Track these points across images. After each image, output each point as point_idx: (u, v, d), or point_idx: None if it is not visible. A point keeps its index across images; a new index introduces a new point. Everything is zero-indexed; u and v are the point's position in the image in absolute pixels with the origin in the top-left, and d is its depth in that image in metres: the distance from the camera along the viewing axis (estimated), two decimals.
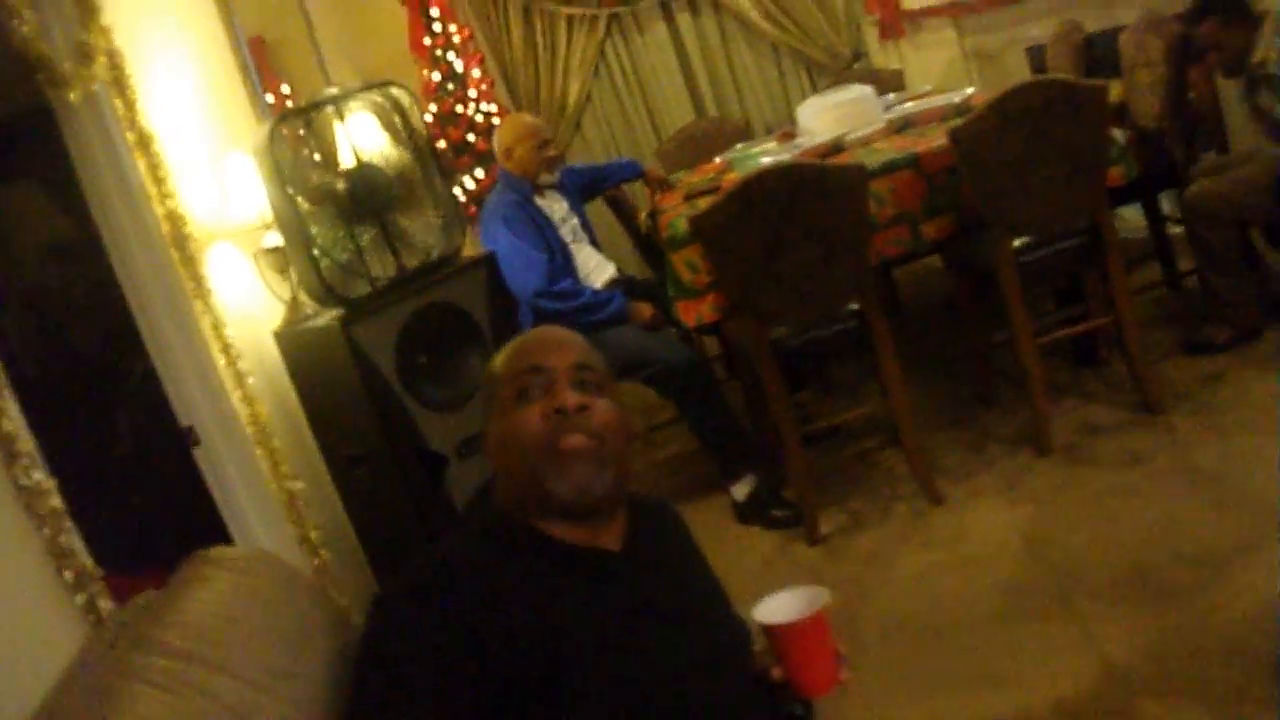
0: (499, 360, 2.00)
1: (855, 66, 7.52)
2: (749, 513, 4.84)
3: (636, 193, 6.80)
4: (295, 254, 3.83)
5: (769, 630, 1.84)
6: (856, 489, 4.81)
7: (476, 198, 6.73)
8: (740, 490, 4.86)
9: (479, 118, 7.06)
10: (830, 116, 5.47)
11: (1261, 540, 3.47)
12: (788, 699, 1.93)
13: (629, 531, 1.97)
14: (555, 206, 5.32)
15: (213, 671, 1.66)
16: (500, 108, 7.21)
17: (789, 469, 4.54)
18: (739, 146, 6.21)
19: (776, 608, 1.86)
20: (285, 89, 5.54)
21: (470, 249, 4.40)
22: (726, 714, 1.85)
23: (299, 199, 3.76)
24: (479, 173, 6.94)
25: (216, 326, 3.65)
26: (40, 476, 2.46)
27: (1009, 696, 3.21)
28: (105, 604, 2.48)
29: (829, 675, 1.86)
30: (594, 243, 5.51)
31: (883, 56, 7.60)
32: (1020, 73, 7.02)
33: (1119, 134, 4.66)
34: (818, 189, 4.04)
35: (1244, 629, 3.13)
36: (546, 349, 1.95)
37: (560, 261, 5.06)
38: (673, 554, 2.08)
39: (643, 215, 5.93)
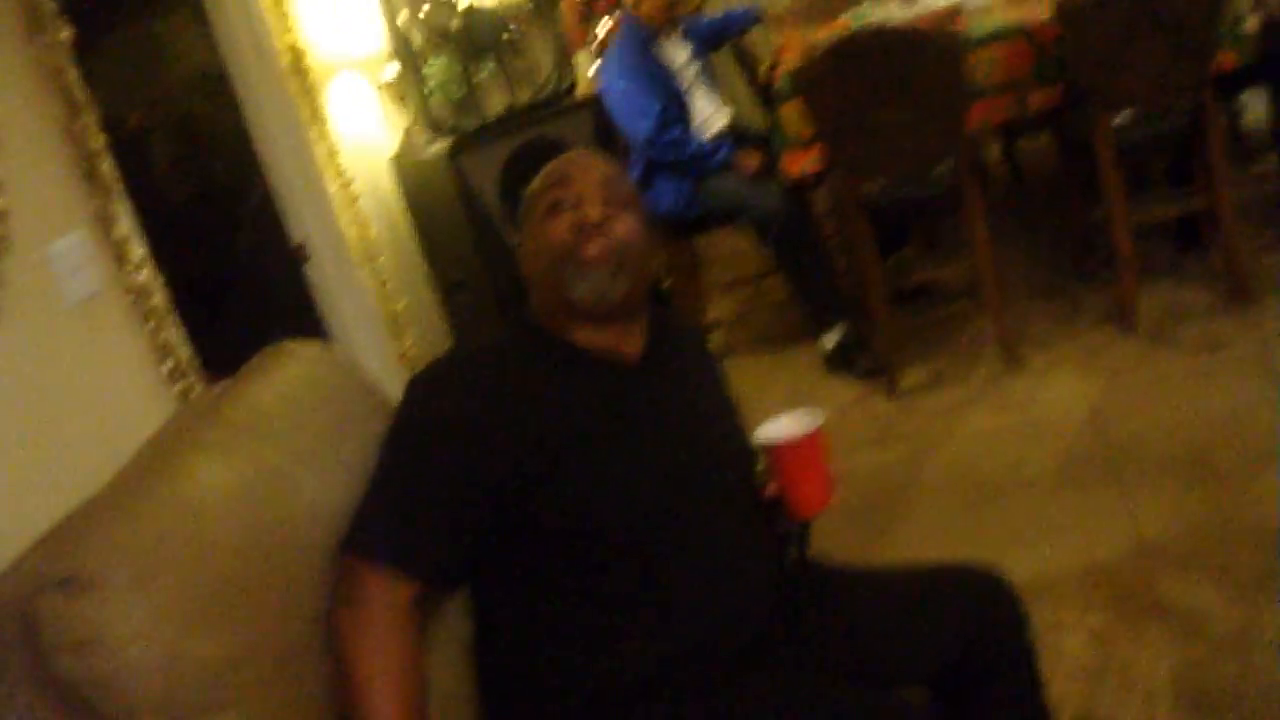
0: (534, 181, 2.12)
1: None
2: (836, 362, 4.95)
3: (760, 44, 6.82)
4: (411, 87, 4.00)
5: (765, 449, 1.96)
6: (942, 348, 4.89)
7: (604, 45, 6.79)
8: (829, 339, 4.96)
9: None
10: None
11: None
12: (781, 518, 2.04)
13: (650, 343, 2.10)
14: (677, 54, 5.36)
15: (262, 442, 1.88)
16: None
17: (877, 322, 4.64)
18: (864, 4, 6.21)
19: (775, 428, 1.97)
20: None
21: (584, 88, 4.53)
22: (717, 524, 1.99)
23: (415, 34, 3.91)
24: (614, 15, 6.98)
25: (331, 151, 3.84)
26: (148, 276, 2.69)
27: (1041, 555, 3.30)
28: (200, 392, 2.73)
29: (820, 496, 1.97)
30: (714, 91, 5.57)
31: None
32: None
33: (1252, 19, 4.61)
34: (910, 55, 4.12)
35: None
36: (575, 162, 2.07)
37: (674, 110, 5.10)
38: (691, 372, 2.20)
39: (764, 67, 5.98)
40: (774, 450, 1.96)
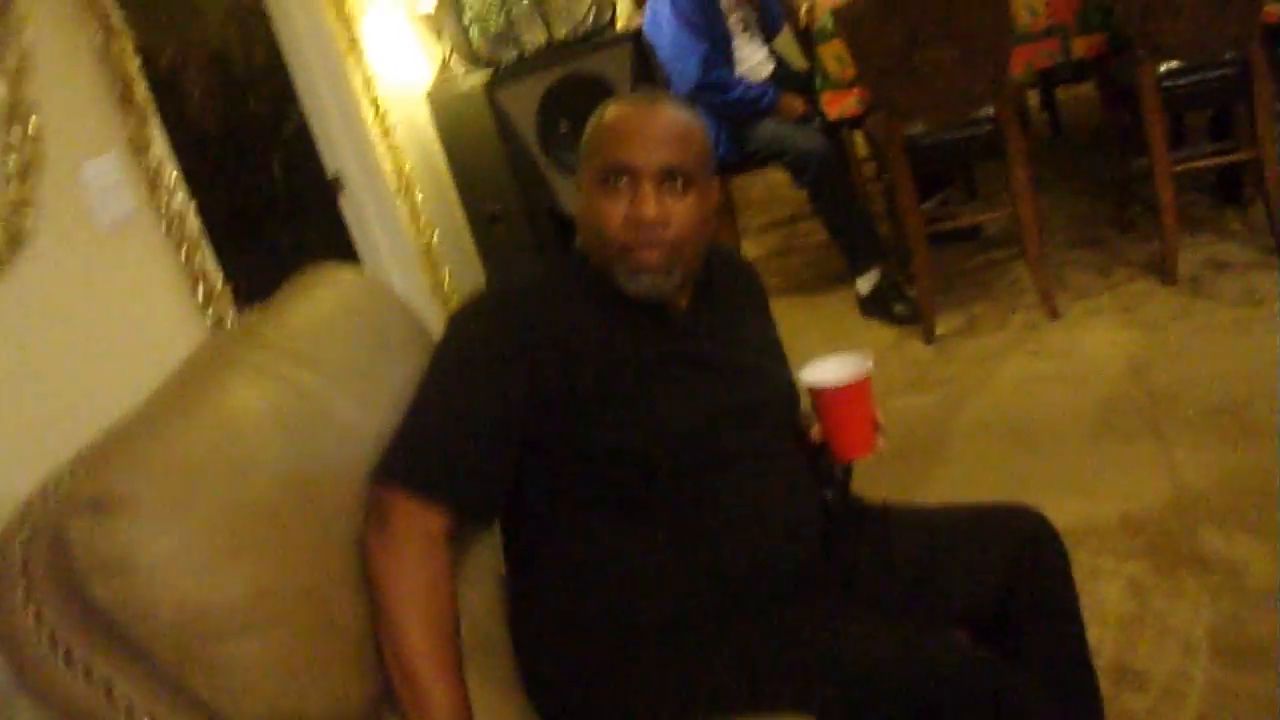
0: (594, 130, 2.02)
1: None
2: (871, 306, 4.93)
3: None
4: (449, 18, 3.96)
5: (812, 391, 1.93)
6: (980, 294, 4.87)
7: None
8: (865, 283, 4.93)
9: None
10: None
11: None
12: (825, 459, 2.03)
13: (697, 290, 2.07)
14: None
15: (298, 365, 1.85)
16: None
17: (915, 266, 4.61)
18: None
19: (822, 371, 1.95)
20: None
21: (624, 22, 4.49)
22: (760, 461, 1.96)
23: None
24: None
25: (368, 82, 3.81)
26: (180, 203, 2.67)
27: (1078, 504, 3.28)
28: (230, 316, 2.73)
29: (865, 441, 1.95)
30: (759, 36, 5.52)
31: None
32: None
33: None
34: None
35: None
36: (635, 143, 1.94)
37: (720, 52, 5.05)
38: (738, 311, 2.17)
39: (804, 8, 5.93)
40: (820, 393, 1.93)
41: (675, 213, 1.94)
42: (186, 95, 3.47)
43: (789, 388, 2.10)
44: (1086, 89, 6.39)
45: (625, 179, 1.93)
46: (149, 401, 1.78)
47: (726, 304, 2.13)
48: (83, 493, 1.48)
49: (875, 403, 1.96)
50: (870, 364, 1.93)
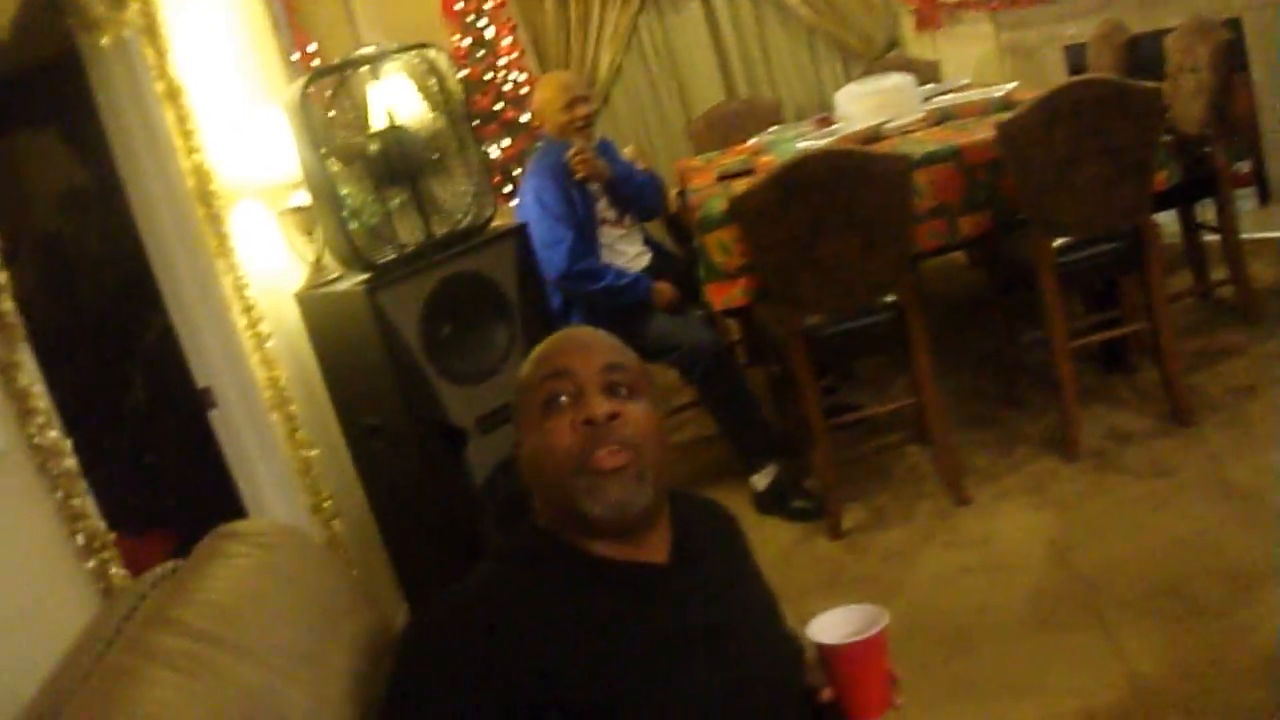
0: (525, 368, 1.89)
1: (890, 55, 7.42)
2: (769, 503, 4.76)
3: (665, 170, 6.72)
4: (323, 215, 3.76)
5: (823, 649, 1.77)
6: (879, 484, 4.74)
7: (501, 166, 6.66)
8: (761, 480, 4.78)
9: (508, 86, 7.02)
10: (869, 103, 5.39)
11: None
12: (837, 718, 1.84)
13: (675, 539, 1.88)
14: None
15: (233, 655, 1.58)
16: (530, 76, 7.15)
17: (815, 460, 4.47)
18: (774, 129, 6.13)
19: (831, 625, 1.79)
20: (312, 47, 5.45)
21: (501, 219, 4.32)
22: None
23: (330, 159, 3.67)
24: (505, 142, 6.87)
25: (239, 286, 3.57)
26: (56, 435, 2.39)
27: (1034, 706, 3.16)
28: (117, 570, 2.42)
29: (883, 699, 1.80)
30: (646, 216, 5.40)
31: (918, 46, 7.50)
32: (1057, 71, 6.92)
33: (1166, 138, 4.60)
34: (862, 176, 3.97)
35: (1275, 650, 3.08)
36: (572, 351, 1.84)
37: (588, 239, 4.93)
38: (722, 561, 1.98)
39: (674, 193, 5.84)
40: (833, 652, 1.77)
41: (628, 410, 1.78)
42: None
43: (793, 643, 1.94)
44: (950, 258, 6.38)
45: (566, 395, 1.78)
46: (53, 698, 1.49)
47: (708, 553, 1.94)
48: None
49: (890, 657, 1.80)
50: (887, 618, 1.77)
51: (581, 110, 5.03)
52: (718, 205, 4.35)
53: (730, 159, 5.66)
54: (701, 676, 1.71)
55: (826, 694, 1.79)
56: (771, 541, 4.53)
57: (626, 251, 5.20)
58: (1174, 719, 2.97)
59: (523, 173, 5.05)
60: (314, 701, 1.61)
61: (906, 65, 6.66)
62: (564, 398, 1.77)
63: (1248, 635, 3.18)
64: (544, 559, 1.80)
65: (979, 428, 4.93)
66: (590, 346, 1.85)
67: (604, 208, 5.14)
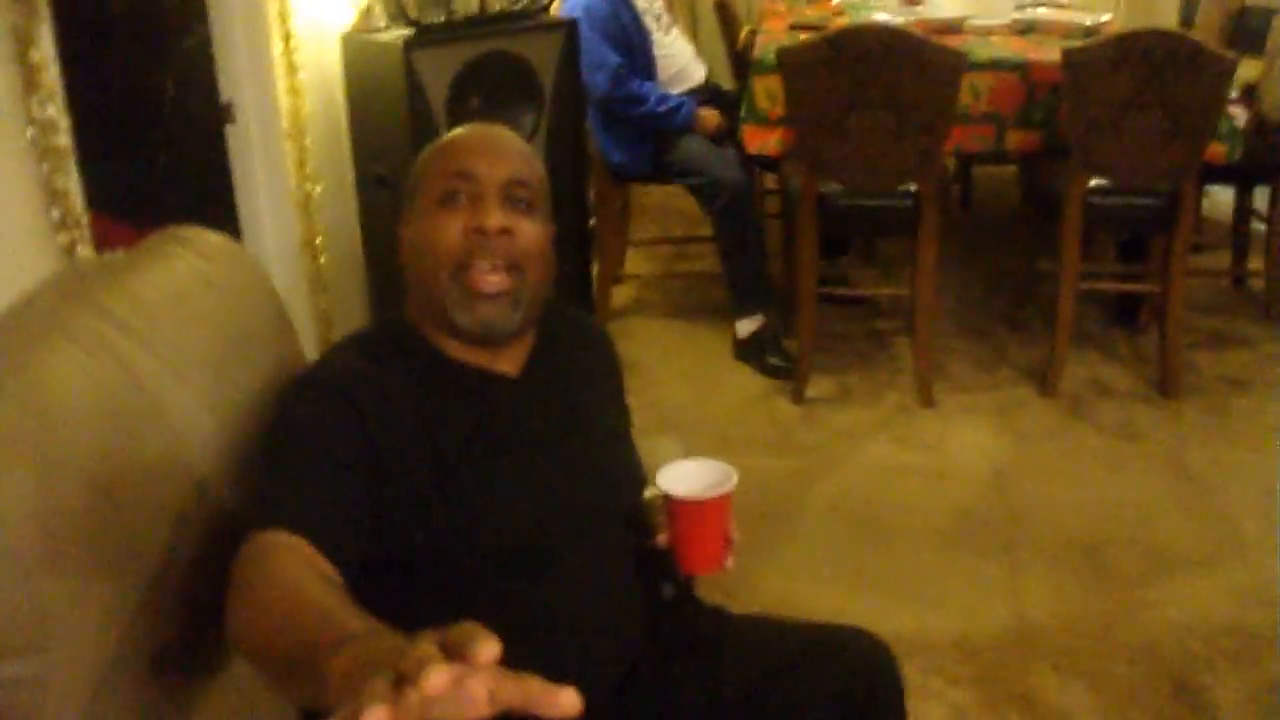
0: (429, 152, 1.89)
1: None
2: (747, 351, 4.81)
3: (749, 5, 6.64)
4: None
5: (670, 500, 1.78)
6: (857, 365, 4.78)
7: None
8: (745, 327, 4.82)
9: None
10: None
11: (1216, 560, 3.48)
12: (667, 567, 1.88)
13: (534, 353, 1.91)
14: None
15: (138, 345, 1.63)
16: None
17: (798, 322, 4.50)
18: None
19: (682, 475, 1.80)
20: None
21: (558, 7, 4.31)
22: (588, 553, 1.81)
23: None
24: None
25: (283, 13, 3.58)
26: (54, 112, 2.43)
27: (916, 614, 3.22)
28: (84, 249, 2.49)
29: (716, 557, 1.82)
30: (684, 36, 5.35)
31: None
32: (1167, 17, 6.76)
33: (1240, 113, 4.53)
34: (912, 62, 3.96)
35: (1164, 637, 3.14)
36: (481, 153, 1.82)
37: (640, 57, 4.89)
38: (580, 381, 2.01)
39: (745, 31, 5.79)
40: (678, 504, 1.78)
41: (521, 228, 1.79)
42: None
43: (631, 472, 1.99)
44: (1006, 171, 6.33)
45: (465, 195, 1.77)
46: None
47: (568, 372, 1.97)
48: None
49: (732, 519, 1.82)
50: (735, 480, 1.78)
51: None
52: (773, 51, 4.33)
53: (811, 12, 5.62)
54: (524, 487, 1.76)
55: (661, 539, 1.81)
56: (736, 390, 4.60)
57: (680, 56, 5.18)
58: (1040, 665, 3.04)
59: None
60: (200, 408, 1.67)
61: None
62: (462, 197, 1.77)
63: (1142, 612, 3.25)
64: (401, 346, 1.84)
65: (969, 339, 4.95)
66: (501, 153, 1.84)
67: (657, 15, 5.12)
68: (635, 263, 5.70)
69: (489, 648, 0.90)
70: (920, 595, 3.32)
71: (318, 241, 3.80)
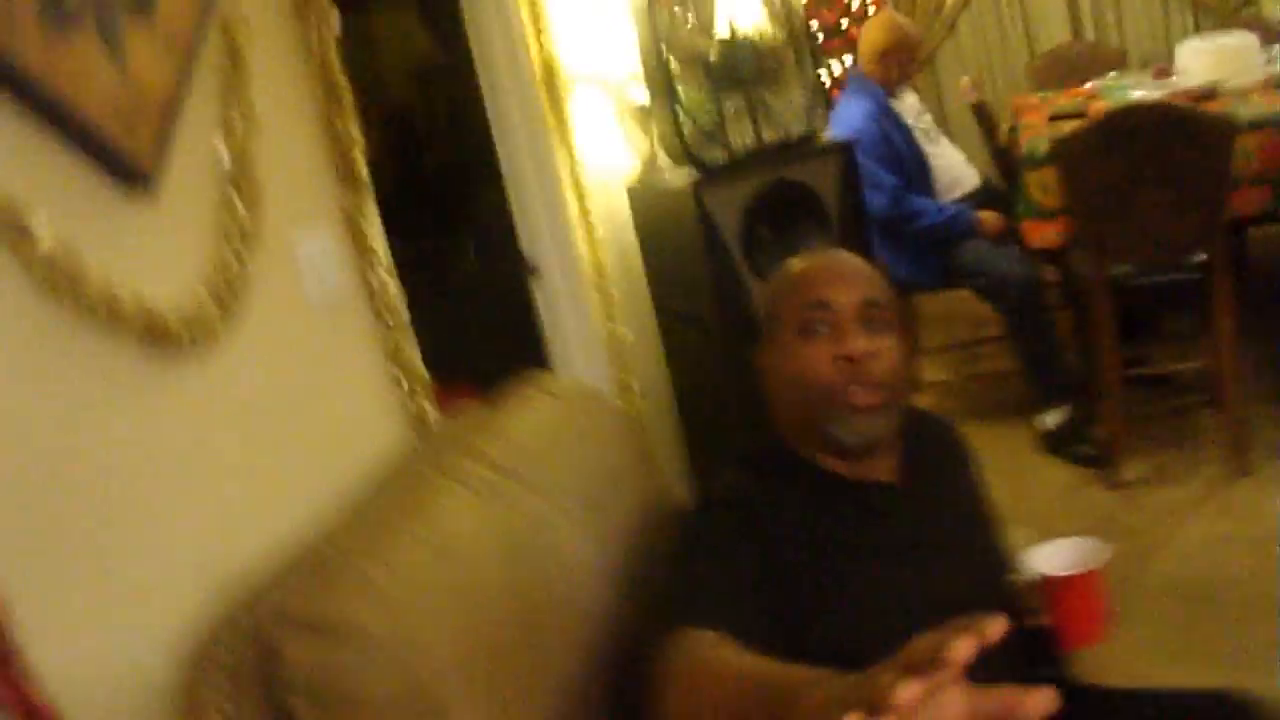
0: (781, 285, 1.98)
1: (1242, 13, 7.18)
2: (1054, 443, 4.79)
3: (1001, 103, 6.69)
4: (659, 113, 3.92)
5: (1048, 580, 1.84)
6: (1165, 443, 4.69)
7: (841, 83, 6.70)
8: (1050, 419, 4.81)
9: (855, 4, 7.04)
10: (1209, 59, 5.27)
11: None
12: (1049, 647, 1.92)
13: (904, 459, 1.97)
14: (908, 102, 5.25)
15: (523, 487, 1.77)
16: None
17: (1104, 408, 4.47)
18: (1112, 75, 6.05)
19: (1054, 555, 1.87)
20: None
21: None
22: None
23: (671, 59, 3.85)
24: (847, 59, 6.90)
25: (573, 169, 3.76)
26: (390, 282, 2.58)
27: (1261, 681, 3.13)
28: (430, 411, 2.59)
29: (1098, 630, 1.87)
30: (953, 143, 5.44)
31: (1273, 5, 7.21)
32: None
33: None
34: (1185, 133, 3.95)
35: None
36: (833, 282, 1.90)
37: (914, 171, 5.01)
38: (947, 481, 2.07)
39: (1005, 128, 5.84)
40: (1055, 581, 1.85)
41: (882, 347, 1.87)
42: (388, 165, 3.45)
43: (1002, 558, 2.03)
44: (1273, 232, 6.22)
45: (825, 322, 1.86)
46: (360, 509, 1.72)
47: (934, 473, 2.04)
48: (302, 611, 1.43)
49: (1106, 591, 1.87)
50: (1109, 553, 1.85)
51: (894, 72, 5.12)
52: (1042, 144, 4.36)
53: (1065, 100, 5.62)
54: (912, 589, 1.80)
55: (1043, 620, 1.87)
56: (1049, 482, 4.58)
57: (952, 162, 5.27)
58: None
59: (836, 108, 5.02)
60: (588, 541, 1.80)
61: (1259, 25, 6.47)
62: (821, 326, 1.86)
63: None
64: (780, 467, 1.91)
65: (1275, 403, 4.80)
66: (850, 279, 1.92)
67: (925, 128, 5.23)
68: (930, 370, 5.72)
69: (961, 645, 0.96)
70: (1261, 664, 3.22)
71: (635, 385, 3.95)
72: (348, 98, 2.51)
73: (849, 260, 2.00)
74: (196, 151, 1.95)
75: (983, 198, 5.21)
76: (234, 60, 2.09)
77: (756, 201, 3.87)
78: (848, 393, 1.84)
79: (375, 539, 1.59)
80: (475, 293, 3.83)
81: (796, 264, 2.01)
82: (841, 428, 1.85)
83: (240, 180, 2.06)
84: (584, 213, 3.80)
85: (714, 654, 1.50)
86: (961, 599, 1.81)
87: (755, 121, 3.99)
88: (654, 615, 1.71)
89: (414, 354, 2.63)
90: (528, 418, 1.99)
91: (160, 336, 1.74)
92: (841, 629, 1.73)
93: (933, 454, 2.07)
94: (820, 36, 6.77)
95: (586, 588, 1.78)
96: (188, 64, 1.91)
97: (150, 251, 1.80)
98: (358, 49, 3.33)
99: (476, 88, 3.74)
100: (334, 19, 2.50)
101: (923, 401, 5.37)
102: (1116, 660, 3.28)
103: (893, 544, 1.86)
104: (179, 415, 1.81)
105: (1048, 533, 1.90)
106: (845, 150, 4.16)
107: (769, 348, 1.96)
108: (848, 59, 6.87)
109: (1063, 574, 1.83)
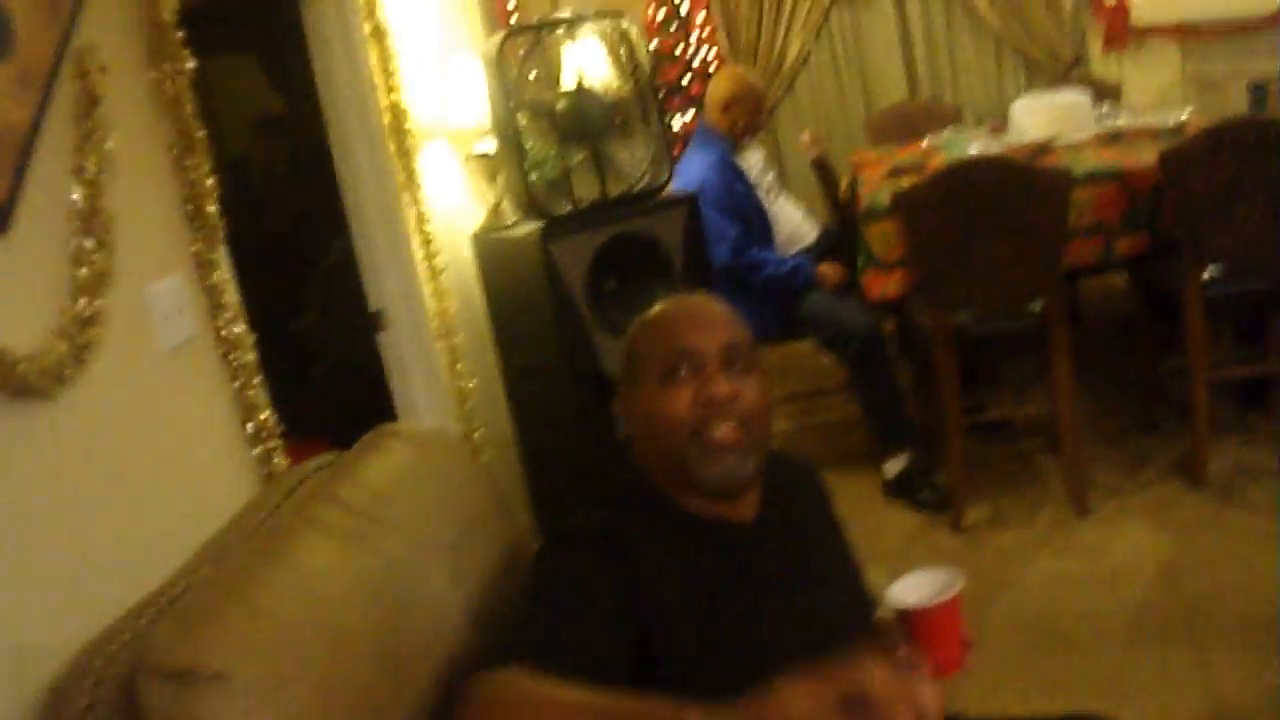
0: (643, 331, 1.99)
1: (1073, 72, 7.42)
2: (897, 490, 4.87)
3: (840, 159, 6.81)
4: (506, 163, 3.96)
5: (901, 613, 1.85)
6: (1006, 486, 4.81)
7: (683, 138, 6.76)
8: (892, 466, 4.88)
9: (696, 62, 7.12)
10: (1043, 116, 5.43)
11: None
12: None
13: (764, 499, 1.99)
14: (753, 159, 5.35)
15: (383, 531, 1.77)
16: (719, 55, 7.25)
17: (946, 454, 4.56)
18: (948, 131, 6.20)
19: (911, 586, 1.87)
20: (512, 3, 5.64)
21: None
22: None
23: (519, 112, 3.88)
24: (689, 115, 6.97)
25: (421, 220, 3.77)
26: (240, 330, 2.57)
27: (1114, 713, 3.22)
28: (279, 460, 2.60)
29: (955, 659, 1.86)
30: (793, 199, 5.54)
31: (1103, 66, 7.46)
32: (1239, 106, 6.83)
33: None
34: (1022, 187, 4.07)
35: None
36: (695, 328, 1.92)
37: (756, 223, 5.10)
38: (806, 520, 2.10)
39: (845, 182, 5.95)
40: (910, 614, 1.84)
41: (744, 388, 1.88)
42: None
43: (868, 601, 2.05)
44: (1110, 280, 6.39)
45: (686, 369, 1.88)
46: (218, 555, 1.70)
47: (793, 512, 2.06)
48: (162, 659, 1.41)
49: (964, 619, 1.88)
50: (963, 581, 1.85)
51: (740, 123, 5.21)
52: (883, 197, 4.46)
53: (904, 155, 5.75)
54: (779, 628, 1.83)
55: (902, 652, 1.90)
56: (895, 527, 4.66)
57: (791, 220, 5.38)
58: None
59: (681, 160, 5.15)
60: (450, 583, 1.80)
61: (1088, 84, 6.68)
62: (684, 370, 1.88)
63: None
64: (642, 508, 1.91)
65: (1111, 445, 4.97)
66: (712, 324, 1.93)
67: (768, 184, 5.33)
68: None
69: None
70: (1115, 694, 3.33)
71: (477, 436, 3.94)
72: (201, 144, 2.51)
73: (709, 305, 2.01)
74: (50, 192, 1.94)
75: (822, 248, 5.33)
76: (89, 103, 2.08)
77: (602, 252, 3.91)
78: (711, 431, 1.85)
79: (235, 584, 1.58)
80: (322, 345, 3.79)
81: (657, 310, 2.01)
82: (703, 467, 1.86)
83: (93, 223, 2.04)
84: (431, 263, 3.81)
85: (523, 688, 1.49)
86: (832, 632, 1.84)
87: (602, 174, 4.03)
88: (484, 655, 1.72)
89: (263, 399, 2.62)
90: (385, 463, 1.99)
91: (9, 379, 1.71)
92: (702, 664, 1.74)
93: (793, 494, 2.09)
94: (663, 93, 6.83)
95: (449, 626, 1.78)
96: (43, 104, 1.90)
97: (2, 292, 1.78)
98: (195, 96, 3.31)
99: (321, 137, 3.75)
100: (188, 66, 2.49)
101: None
102: (963, 697, 3.34)
103: (757, 582, 1.88)
104: (29, 462, 1.78)
105: (897, 574, 1.92)
106: (689, 202, 4.23)
107: (632, 393, 1.96)
108: (689, 115, 6.93)
109: (921, 606, 1.83)
